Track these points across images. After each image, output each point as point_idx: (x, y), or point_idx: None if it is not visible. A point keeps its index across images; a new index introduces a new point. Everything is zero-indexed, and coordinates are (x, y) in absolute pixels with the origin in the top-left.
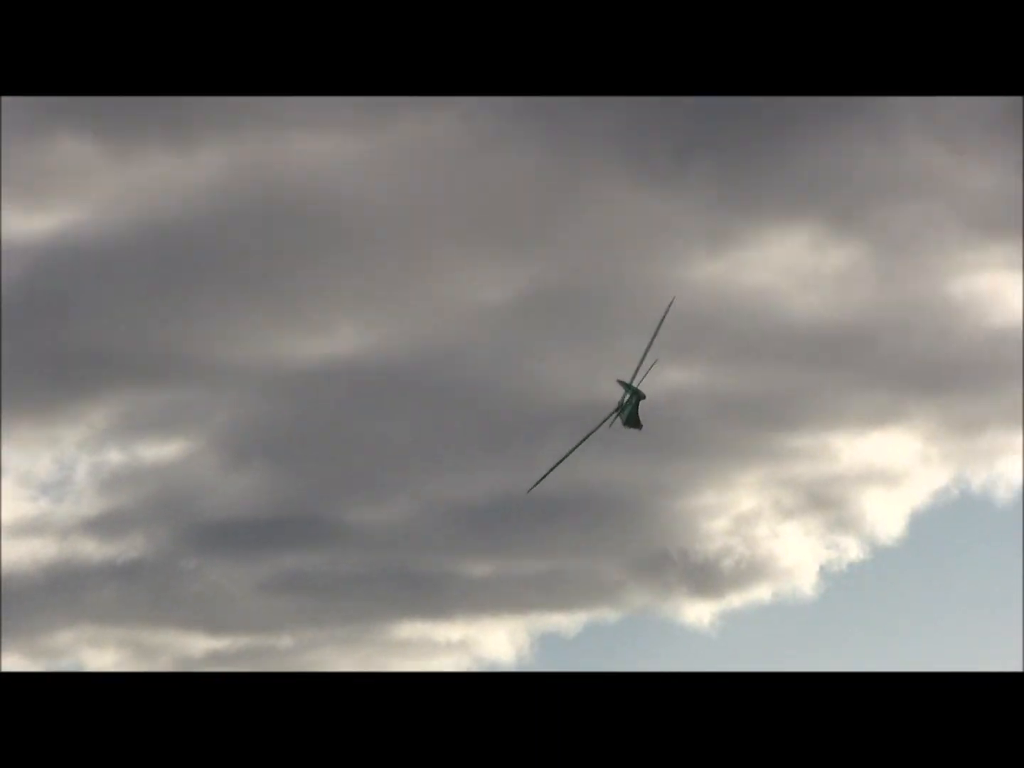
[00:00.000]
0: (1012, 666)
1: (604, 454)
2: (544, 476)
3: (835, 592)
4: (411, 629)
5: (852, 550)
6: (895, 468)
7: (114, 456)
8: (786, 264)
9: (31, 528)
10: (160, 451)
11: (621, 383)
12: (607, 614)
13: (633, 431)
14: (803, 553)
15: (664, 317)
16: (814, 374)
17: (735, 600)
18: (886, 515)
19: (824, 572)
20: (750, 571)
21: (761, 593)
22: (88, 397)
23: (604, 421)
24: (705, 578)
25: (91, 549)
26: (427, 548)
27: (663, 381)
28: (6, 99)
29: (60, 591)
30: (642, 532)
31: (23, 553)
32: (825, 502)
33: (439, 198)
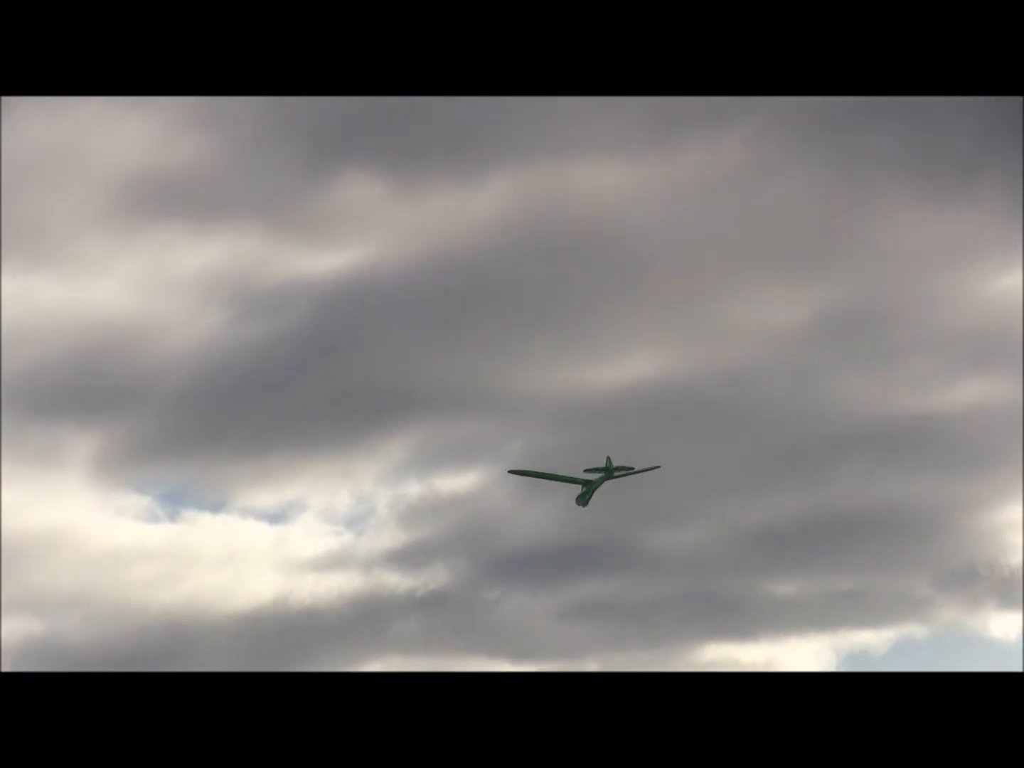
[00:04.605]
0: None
1: (907, 469)
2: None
3: None
4: (716, 651)
5: None
6: None
7: (412, 488)
8: None
9: (336, 562)
10: (457, 482)
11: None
12: (915, 630)
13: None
14: None
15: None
16: None
17: None
18: None
19: None
20: None
21: None
22: (384, 431)
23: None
24: (1013, 591)
25: (395, 581)
26: (729, 570)
27: (962, 394)
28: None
29: (366, 623)
30: (948, 547)
31: (330, 587)
32: None
33: (728, 223)
